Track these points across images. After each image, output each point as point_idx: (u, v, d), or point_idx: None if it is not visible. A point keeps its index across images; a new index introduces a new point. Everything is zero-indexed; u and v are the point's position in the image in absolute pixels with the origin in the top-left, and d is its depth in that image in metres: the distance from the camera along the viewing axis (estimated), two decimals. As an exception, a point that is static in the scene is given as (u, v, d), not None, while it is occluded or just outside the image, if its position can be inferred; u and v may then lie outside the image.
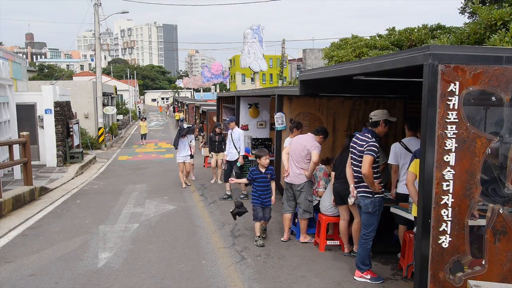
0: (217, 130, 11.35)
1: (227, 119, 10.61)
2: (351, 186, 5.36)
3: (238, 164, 9.59)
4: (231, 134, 9.83)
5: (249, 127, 11.54)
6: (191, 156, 11.64)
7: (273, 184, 6.62)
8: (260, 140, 11.31)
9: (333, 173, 6.08)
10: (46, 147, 14.78)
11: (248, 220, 7.80)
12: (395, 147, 5.75)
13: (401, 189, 5.59)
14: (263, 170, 6.50)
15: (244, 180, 6.92)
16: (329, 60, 14.89)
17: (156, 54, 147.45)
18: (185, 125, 11.38)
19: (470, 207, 3.65)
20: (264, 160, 6.46)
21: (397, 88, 6.92)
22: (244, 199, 9.53)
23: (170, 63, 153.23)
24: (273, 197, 6.59)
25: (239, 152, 9.61)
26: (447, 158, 3.56)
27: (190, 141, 11.30)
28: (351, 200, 5.43)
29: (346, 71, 5.11)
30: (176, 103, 49.75)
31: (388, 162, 5.97)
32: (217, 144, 11.32)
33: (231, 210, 6.76)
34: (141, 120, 25.50)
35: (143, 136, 24.18)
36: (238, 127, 11.52)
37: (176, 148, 11.13)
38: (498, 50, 3.75)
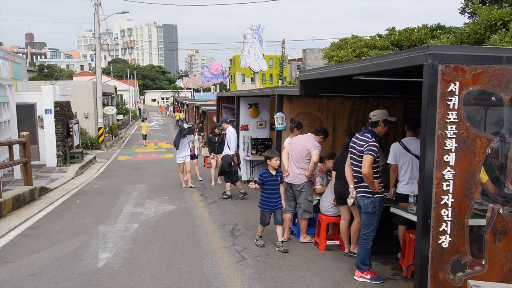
0: (216, 130, 11.34)
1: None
2: (351, 186, 5.36)
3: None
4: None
5: (249, 127, 11.53)
6: (195, 156, 11.67)
7: (282, 188, 6.36)
8: (260, 140, 11.29)
9: (334, 173, 6.08)
10: (46, 147, 14.78)
11: (248, 220, 7.81)
12: (395, 147, 5.76)
13: (401, 189, 5.59)
14: (273, 172, 6.24)
15: (257, 186, 6.41)
16: (329, 60, 14.89)
17: (156, 54, 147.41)
18: (186, 125, 11.36)
19: (470, 207, 3.66)
20: (275, 162, 6.20)
21: (397, 88, 6.92)
22: (244, 197, 9.56)
23: (170, 63, 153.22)
24: (283, 201, 6.36)
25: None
26: (447, 158, 3.56)
27: (190, 141, 11.29)
28: (350, 201, 5.44)
29: (346, 71, 5.11)
30: (176, 103, 49.75)
31: (387, 161, 5.98)
32: (217, 145, 11.31)
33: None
34: (142, 120, 25.44)
35: (144, 137, 24.14)
36: (238, 127, 11.54)
37: (177, 149, 11.09)
38: (498, 50, 3.75)
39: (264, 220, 6.33)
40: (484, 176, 3.71)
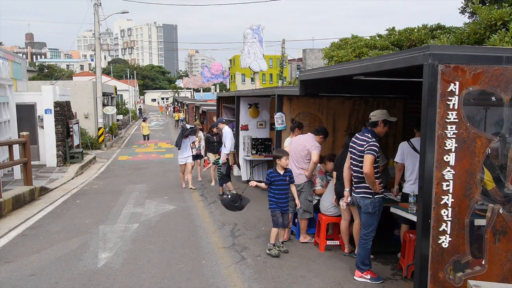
0: (214, 130, 11.29)
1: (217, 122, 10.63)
2: (346, 189, 5.38)
3: (220, 161, 9.54)
4: None
5: (249, 127, 11.53)
6: (201, 156, 11.62)
7: (293, 188, 6.18)
8: (260, 140, 11.28)
9: (334, 173, 6.08)
10: (46, 147, 14.78)
11: (248, 220, 7.81)
12: (403, 146, 5.82)
13: (408, 189, 5.60)
14: (281, 172, 6.01)
15: (262, 185, 6.16)
16: (329, 60, 14.88)
17: (156, 54, 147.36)
18: (188, 126, 11.33)
19: (470, 207, 3.66)
20: (285, 161, 5.97)
21: (397, 88, 6.92)
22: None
23: (170, 63, 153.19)
24: (297, 201, 6.17)
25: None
26: (447, 158, 3.57)
27: (195, 141, 11.27)
28: (342, 204, 5.47)
29: (346, 71, 5.12)
30: (176, 103, 49.72)
31: (394, 159, 6.03)
32: (216, 145, 11.28)
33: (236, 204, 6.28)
34: (143, 121, 25.15)
35: (146, 137, 23.79)
36: (238, 127, 11.53)
37: (179, 149, 11.05)
38: (498, 50, 3.75)
39: (277, 220, 6.00)
40: (490, 183, 3.70)
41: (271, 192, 6.07)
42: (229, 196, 6.38)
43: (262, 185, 6.18)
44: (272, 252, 5.97)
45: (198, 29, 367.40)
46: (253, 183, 6.18)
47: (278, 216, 6.01)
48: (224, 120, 10.45)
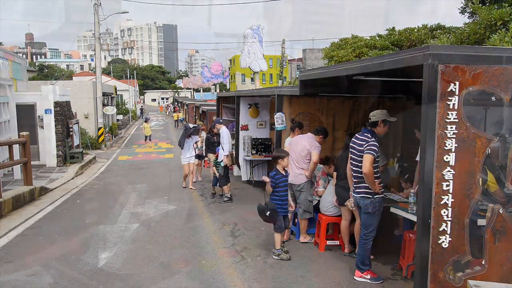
0: (214, 130, 11.25)
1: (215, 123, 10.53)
2: (351, 191, 5.37)
3: (222, 164, 9.48)
4: None
5: (249, 127, 11.52)
6: (202, 156, 11.62)
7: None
8: (260, 140, 11.28)
9: (334, 173, 6.08)
10: (46, 147, 14.77)
11: (248, 220, 7.81)
12: None
13: None
14: (284, 173, 5.89)
15: (269, 188, 5.82)
16: (329, 60, 14.89)
17: (156, 54, 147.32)
18: (191, 125, 11.30)
19: (470, 207, 3.65)
20: (287, 161, 5.88)
21: (397, 88, 6.91)
22: (228, 202, 9.37)
23: (170, 63, 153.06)
24: (292, 203, 6.06)
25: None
26: (447, 158, 3.56)
27: (195, 142, 11.27)
28: (350, 204, 5.46)
29: (346, 71, 5.11)
30: (176, 103, 49.71)
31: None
32: (216, 145, 11.25)
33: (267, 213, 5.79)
34: (145, 121, 24.89)
35: (147, 138, 23.49)
36: (238, 127, 11.52)
37: (182, 148, 11.03)
38: (498, 50, 3.75)
39: (281, 224, 5.84)
40: (493, 185, 3.69)
41: (275, 195, 5.84)
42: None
43: (269, 187, 5.82)
44: (283, 256, 5.84)
45: (198, 29, 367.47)
46: (266, 178, 5.83)
47: (282, 220, 5.90)
48: (221, 121, 10.39)
